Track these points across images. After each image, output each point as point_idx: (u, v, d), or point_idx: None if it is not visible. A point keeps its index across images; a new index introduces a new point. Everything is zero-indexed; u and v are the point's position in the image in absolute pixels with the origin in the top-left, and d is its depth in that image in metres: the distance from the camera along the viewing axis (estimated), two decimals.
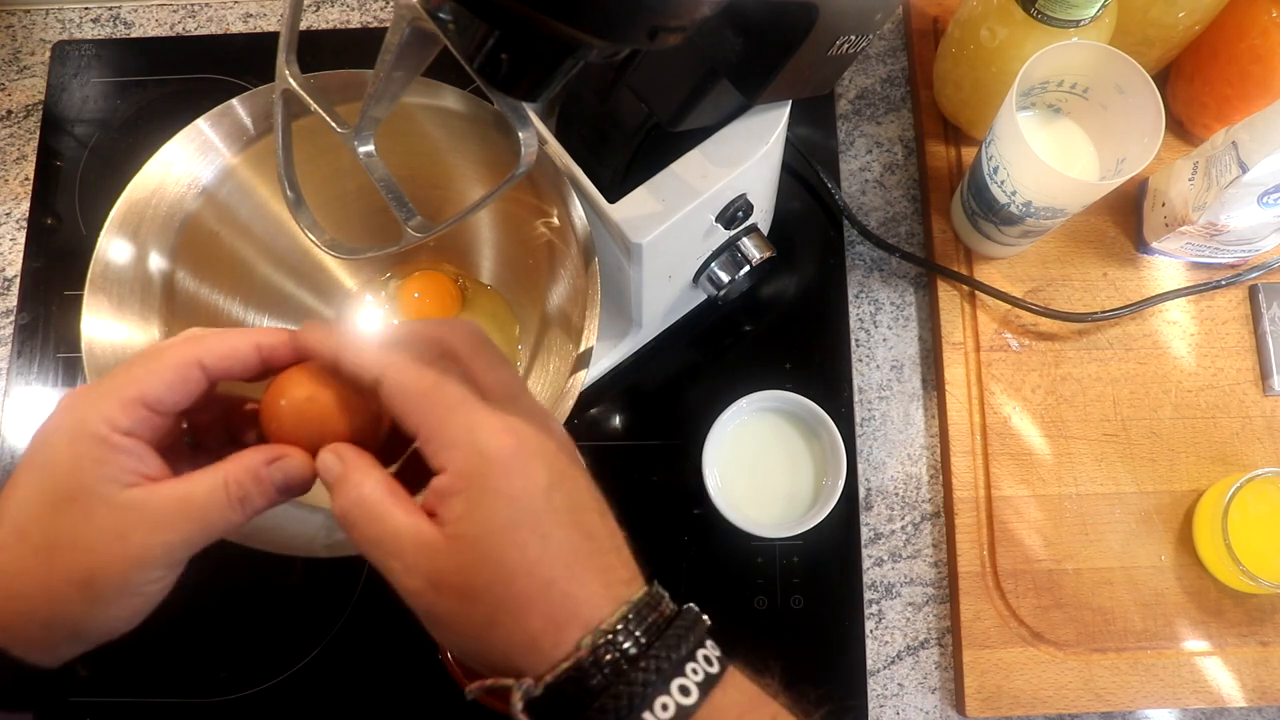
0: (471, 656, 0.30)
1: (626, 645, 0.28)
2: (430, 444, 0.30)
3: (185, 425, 0.35)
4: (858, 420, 0.64)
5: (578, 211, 0.47)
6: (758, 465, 0.60)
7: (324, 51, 0.72)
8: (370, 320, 0.62)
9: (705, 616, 0.31)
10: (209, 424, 0.36)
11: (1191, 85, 0.63)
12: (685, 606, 0.31)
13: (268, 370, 0.34)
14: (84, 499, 0.30)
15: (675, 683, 0.28)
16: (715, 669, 0.29)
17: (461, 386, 0.31)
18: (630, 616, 0.29)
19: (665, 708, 0.28)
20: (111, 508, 0.30)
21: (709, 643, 0.30)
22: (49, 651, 0.31)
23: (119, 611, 0.31)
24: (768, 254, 0.56)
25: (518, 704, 0.28)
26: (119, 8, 0.74)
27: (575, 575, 0.29)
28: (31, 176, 0.69)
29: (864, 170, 0.69)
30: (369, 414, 0.33)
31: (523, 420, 0.31)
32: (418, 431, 0.30)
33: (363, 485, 0.30)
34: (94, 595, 0.30)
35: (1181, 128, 0.66)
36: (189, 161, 0.49)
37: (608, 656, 0.28)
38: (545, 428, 0.31)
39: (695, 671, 0.29)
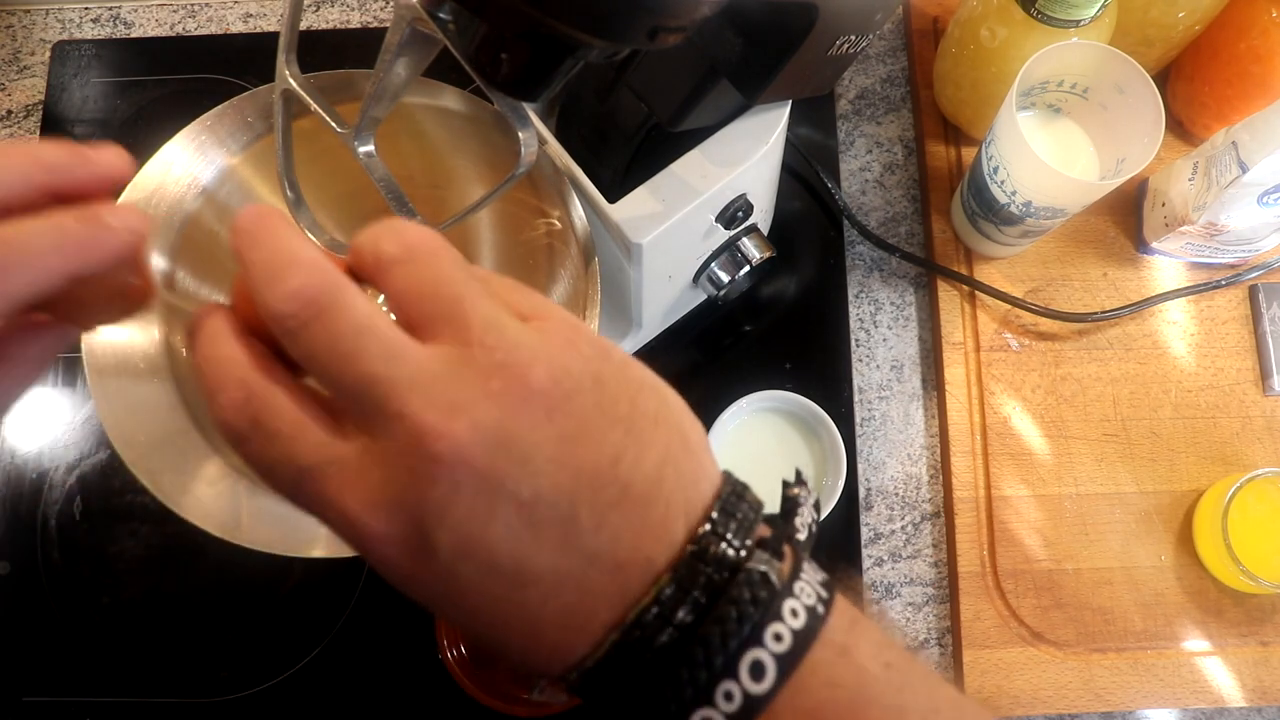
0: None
1: (606, 687, 0.22)
2: None
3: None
4: (858, 420, 0.63)
5: (578, 211, 0.47)
6: (758, 465, 0.60)
7: (324, 51, 0.72)
8: None
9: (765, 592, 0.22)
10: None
11: (1191, 85, 0.63)
12: (745, 576, 0.22)
13: (53, 193, 0.25)
14: None
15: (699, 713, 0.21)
16: (764, 686, 0.21)
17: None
18: (605, 652, 0.22)
19: (779, 637, 0.22)
20: None
21: (776, 625, 0.22)
22: None
23: None
24: (768, 254, 0.56)
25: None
26: (119, 8, 0.74)
27: (528, 645, 0.23)
28: None
29: (864, 170, 0.69)
30: None
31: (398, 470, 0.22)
32: None
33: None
34: None
35: (1181, 128, 0.66)
36: (189, 161, 0.49)
37: (599, 684, 0.22)
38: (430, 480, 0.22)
39: (730, 698, 0.21)
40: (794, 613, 0.22)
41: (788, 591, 0.22)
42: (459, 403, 0.21)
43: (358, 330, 0.21)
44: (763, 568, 0.22)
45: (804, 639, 0.22)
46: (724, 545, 0.22)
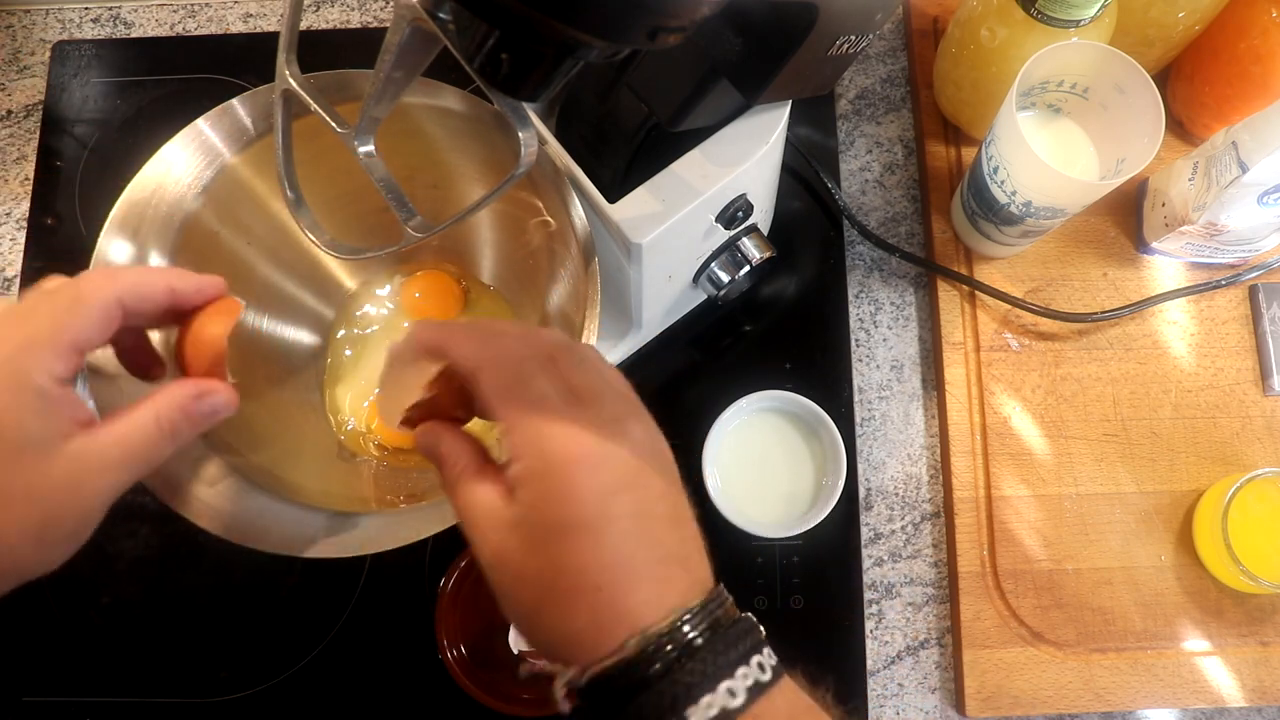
0: (525, 634, 0.32)
1: (676, 647, 0.29)
2: (509, 437, 0.32)
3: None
4: (858, 420, 0.63)
5: (578, 211, 0.47)
6: (758, 465, 0.60)
7: (324, 51, 0.72)
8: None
9: (760, 626, 0.32)
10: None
11: (1191, 85, 0.63)
12: (744, 614, 0.32)
13: (173, 313, 0.37)
14: (33, 452, 0.31)
15: (723, 684, 0.29)
16: (767, 677, 0.30)
17: (545, 389, 0.32)
18: (687, 618, 0.30)
19: (710, 706, 0.28)
20: (62, 458, 0.32)
21: (766, 650, 0.31)
22: None
23: (61, 555, 0.33)
24: (768, 254, 0.56)
25: (559, 690, 0.30)
26: (119, 8, 0.74)
27: (624, 582, 0.30)
28: (31, 176, 0.69)
29: (864, 170, 0.69)
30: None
31: (599, 426, 0.32)
32: (500, 421, 0.32)
33: (460, 459, 0.33)
34: (46, 543, 0.32)
35: (1181, 128, 0.66)
36: (189, 161, 0.49)
37: (659, 654, 0.29)
38: (622, 433, 0.32)
39: (745, 676, 0.29)
40: (770, 652, 0.31)
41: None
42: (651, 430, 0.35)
43: None
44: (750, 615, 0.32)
45: (777, 672, 0.31)
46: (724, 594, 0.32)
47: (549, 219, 0.50)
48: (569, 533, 0.30)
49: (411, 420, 0.35)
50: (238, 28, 0.73)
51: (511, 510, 0.31)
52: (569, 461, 0.31)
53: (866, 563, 0.61)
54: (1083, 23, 0.52)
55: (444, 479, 0.33)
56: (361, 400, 0.59)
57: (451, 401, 0.35)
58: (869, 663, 0.59)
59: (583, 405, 0.32)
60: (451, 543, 0.55)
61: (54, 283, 0.35)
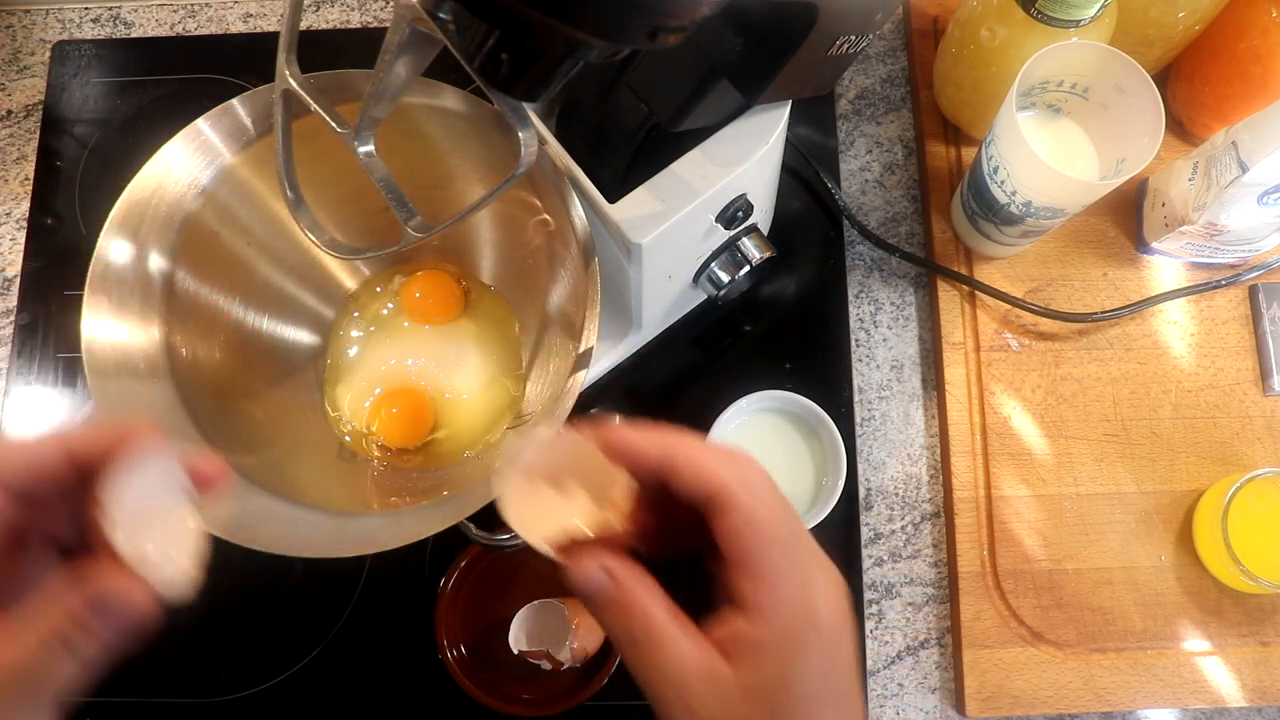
0: None
1: None
2: (758, 584, 0.27)
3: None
4: (858, 420, 0.63)
5: (578, 211, 0.47)
6: None
7: (324, 51, 0.72)
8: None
9: None
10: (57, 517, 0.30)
11: (1191, 85, 0.63)
12: None
13: (84, 475, 0.28)
14: None
15: None
16: None
17: (803, 530, 0.28)
18: None
19: None
20: None
21: None
22: None
23: None
24: (768, 254, 0.56)
25: None
26: (119, 8, 0.74)
27: None
28: (31, 176, 0.69)
29: (864, 170, 0.69)
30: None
31: (839, 581, 0.28)
32: (750, 566, 0.27)
33: (650, 608, 0.27)
34: None
35: (1181, 128, 0.66)
36: (189, 161, 0.49)
37: None
38: (844, 585, 0.29)
39: None
40: None
41: None
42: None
43: None
44: None
45: None
46: None
47: (549, 219, 0.50)
48: (817, 708, 0.27)
49: (570, 546, 0.28)
50: (238, 28, 0.73)
51: (744, 676, 0.26)
52: (834, 628, 0.27)
53: (866, 563, 0.61)
54: (1083, 23, 0.52)
55: (627, 631, 0.27)
56: (362, 401, 0.59)
57: (636, 530, 0.29)
58: (869, 663, 0.59)
59: (815, 550, 0.28)
60: (452, 543, 0.55)
61: None
